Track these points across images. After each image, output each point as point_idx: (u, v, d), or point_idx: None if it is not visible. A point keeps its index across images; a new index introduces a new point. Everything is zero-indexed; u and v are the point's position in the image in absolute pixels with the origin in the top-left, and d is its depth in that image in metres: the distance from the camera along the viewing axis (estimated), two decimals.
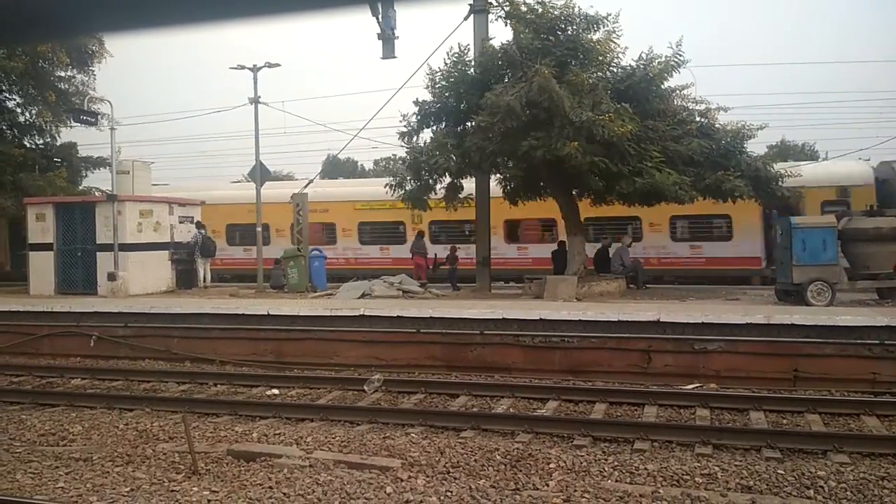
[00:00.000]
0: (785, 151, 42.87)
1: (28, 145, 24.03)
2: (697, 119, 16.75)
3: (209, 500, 6.61)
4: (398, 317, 13.78)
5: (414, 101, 17.48)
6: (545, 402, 10.56)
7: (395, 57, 17.62)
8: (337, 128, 39.85)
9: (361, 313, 14.01)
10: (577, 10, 16.04)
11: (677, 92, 16.90)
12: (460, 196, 18.25)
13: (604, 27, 16.10)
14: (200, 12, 1.19)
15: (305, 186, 22.60)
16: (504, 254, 22.44)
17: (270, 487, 6.85)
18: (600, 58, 16.21)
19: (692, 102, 17.05)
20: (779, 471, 7.19)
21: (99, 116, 21.78)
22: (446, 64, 17.03)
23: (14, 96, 23.94)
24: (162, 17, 1.19)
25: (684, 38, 16.30)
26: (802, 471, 7.18)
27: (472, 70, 16.91)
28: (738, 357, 11.90)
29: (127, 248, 18.94)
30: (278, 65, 20.97)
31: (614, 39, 16.14)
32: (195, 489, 6.85)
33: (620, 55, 16.50)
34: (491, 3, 17.62)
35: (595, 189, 16.71)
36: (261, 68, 20.88)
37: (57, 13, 1.19)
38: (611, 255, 19.47)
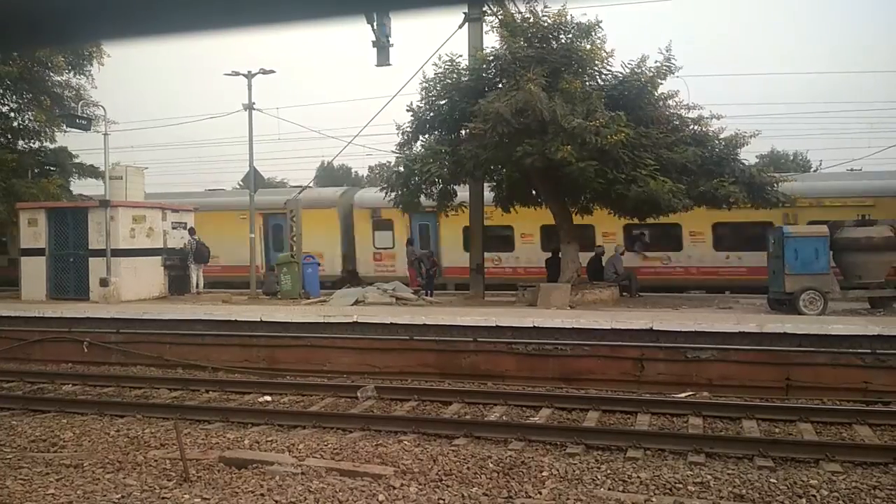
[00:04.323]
0: (776, 161, 43.03)
1: (22, 149, 23.91)
2: (691, 126, 16.82)
3: None
4: (391, 324, 13.77)
5: (407, 107, 17.52)
6: (538, 410, 10.55)
7: (389, 64, 17.66)
8: (331, 134, 39.88)
9: (354, 320, 14.00)
10: (569, 18, 16.12)
11: (670, 98, 16.98)
12: (453, 202, 18.27)
13: (595, 35, 16.17)
14: (199, 21, 1.20)
15: (299, 193, 22.62)
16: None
17: (262, 495, 6.81)
18: (591, 67, 16.28)
19: (685, 109, 17.12)
20: (771, 479, 7.20)
21: (92, 121, 21.74)
22: (437, 70, 17.05)
23: (8, 102, 23.84)
24: (161, 26, 1.20)
25: (677, 47, 16.42)
26: (795, 479, 7.19)
27: (465, 78, 16.95)
28: (731, 366, 11.94)
29: (119, 254, 18.88)
30: (273, 71, 20.99)
31: (603, 48, 16.22)
32: (186, 496, 6.81)
33: (611, 60, 16.60)
34: (485, 12, 17.68)
35: (588, 196, 16.75)
36: (255, 75, 20.89)
37: (58, 21, 1.19)
38: (604, 264, 19.49)
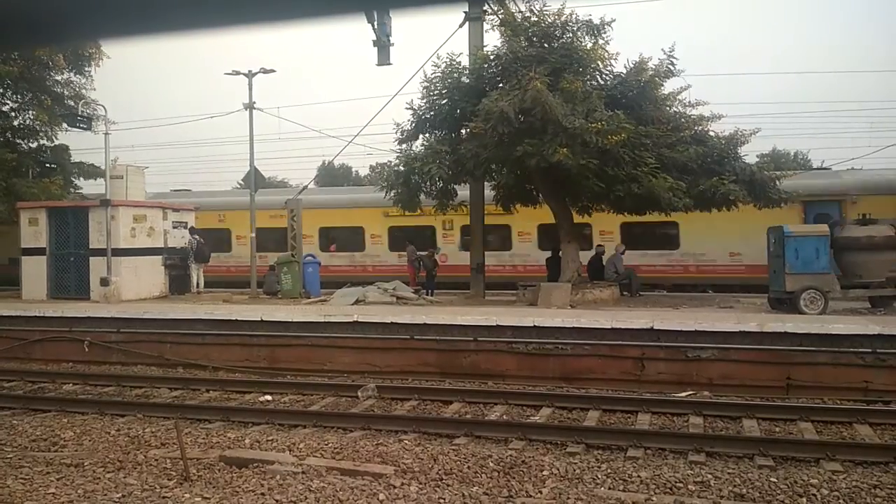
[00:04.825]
0: (777, 160, 43.05)
1: (23, 148, 23.94)
2: (691, 126, 16.78)
3: None
4: (392, 323, 13.77)
5: (407, 105, 17.51)
6: (538, 409, 10.55)
7: (390, 64, 17.68)
8: (332, 134, 39.88)
9: (355, 319, 13.99)
10: (573, 16, 16.10)
11: (672, 98, 16.96)
12: (453, 201, 18.25)
13: (603, 34, 16.15)
14: (199, 19, 1.20)
15: (300, 193, 22.61)
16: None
17: (263, 494, 6.82)
18: (593, 66, 16.28)
19: (689, 106, 17.08)
20: (771, 479, 7.20)
21: (92, 121, 21.75)
22: (437, 68, 17.02)
23: (8, 101, 23.88)
24: (161, 24, 1.20)
25: (676, 48, 16.44)
26: (795, 479, 7.19)
27: (465, 77, 16.94)
28: (732, 365, 11.94)
29: (120, 254, 18.88)
30: (273, 70, 20.98)
31: (604, 47, 16.20)
32: (187, 496, 6.82)
33: (613, 62, 16.60)
34: (486, 11, 17.67)
35: (588, 194, 16.72)
36: (255, 74, 20.88)
37: (57, 19, 1.19)
38: (604, 263, 19.49)
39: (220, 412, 10.60)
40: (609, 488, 7.12)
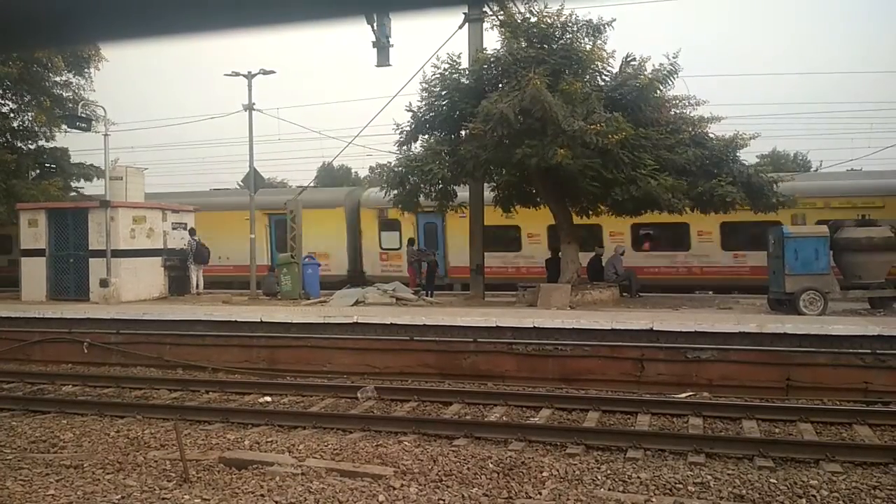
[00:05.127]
0: (776, 161, 43.05)
1: (22, 149, 23.93)
2: (690, 130, 16.77)
3: None
4: (391, 324, 13.76)
5: (406, 107, 17.50)
6: (538, 411, 10.55)
7: (389, 65, 17.68)
8: (332, 135, 39.86)
9: (355, 321, 13.99)
10: (573, 17, 16.11)
11: (673, 101, 16.95)
12: (453, 202, 18.24)
13: (602, 35, 16.16)
14: (199, 22, 1.20)
15: (299, 194, 22.60)
16: None
17: (262, 495, 6.82)
18: (592, 67, 16.29)
19: (689, 106, 17.04)
20: (771, 480, 7.20)
21: (92, 121, 21.76)
22: (437, 70, 17.02)
23: (7, 102, 23.89)
24: (162, 26, 1.20)
25: (673, 49, 16.44)
26: (795, 480, 7.19)
27: (465, 79, 16.94)
28: (731, 366, 11.94)
29: (119, 255, 18.88)
30: (273, 72, 20.99)
31: (603, 48, 16.21)
32: (186, 497, 6.81)
33: (611, 61, 16.60)
34: (486, 12, 17.66)
35: (588, 196, 16.71)
36: (255, 75, 20.89)
37: (57, 21, 1.19)
38: (604, 264, 19.48)
39: (219, 413, 10.60)
40: (609, 489, 7.12)
